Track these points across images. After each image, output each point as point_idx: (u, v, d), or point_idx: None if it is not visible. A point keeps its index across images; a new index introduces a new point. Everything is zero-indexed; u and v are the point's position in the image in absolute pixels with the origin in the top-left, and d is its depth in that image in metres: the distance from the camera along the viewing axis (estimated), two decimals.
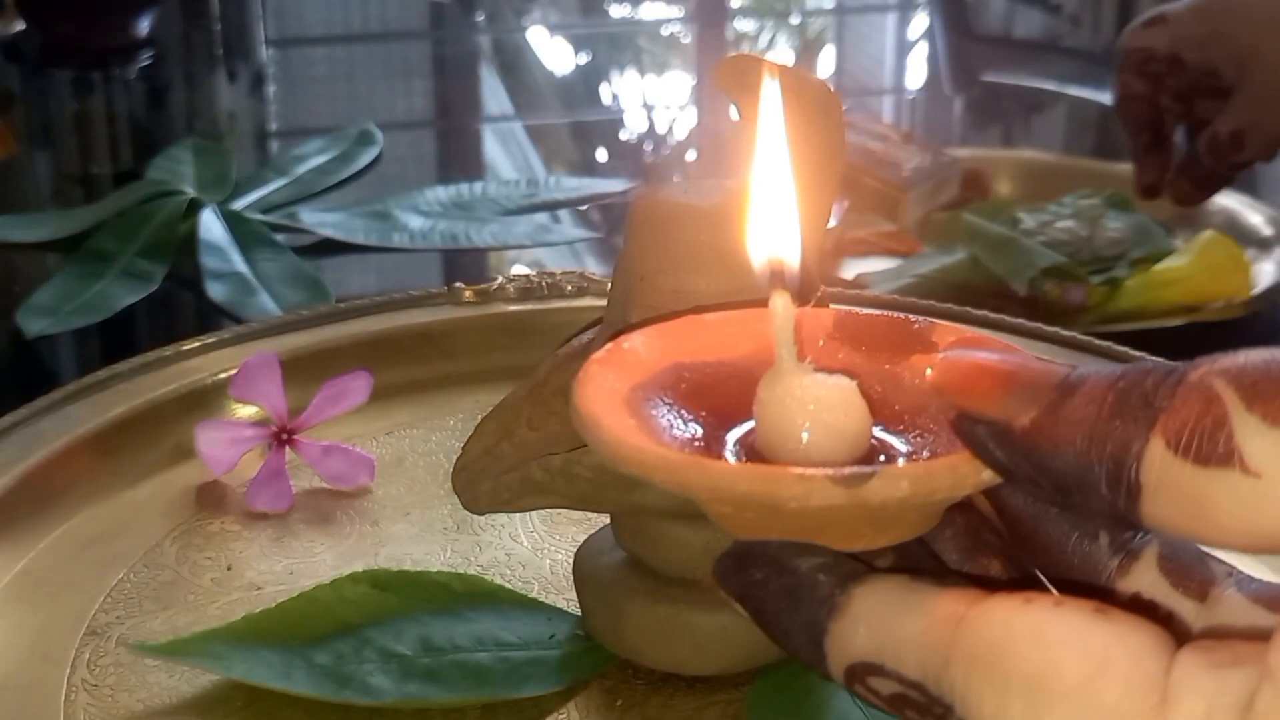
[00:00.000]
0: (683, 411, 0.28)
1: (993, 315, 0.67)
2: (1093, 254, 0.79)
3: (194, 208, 0.87)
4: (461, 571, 0.51)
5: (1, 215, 0.90)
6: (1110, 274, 0.78)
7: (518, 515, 0.54)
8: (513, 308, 0.68)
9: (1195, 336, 0.74)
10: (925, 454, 0.27)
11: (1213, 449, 0.22)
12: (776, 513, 0.25)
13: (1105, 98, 0.89)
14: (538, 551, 0.53)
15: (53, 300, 0.77)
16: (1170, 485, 0.22)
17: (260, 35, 1.42)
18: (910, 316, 0.30)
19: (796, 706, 0.45)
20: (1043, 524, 0.28)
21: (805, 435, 0.26)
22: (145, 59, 1.28)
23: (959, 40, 1.44)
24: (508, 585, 0.50)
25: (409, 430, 0.62)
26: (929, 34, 1.51)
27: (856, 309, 0.31)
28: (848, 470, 0.24)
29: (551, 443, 0.47)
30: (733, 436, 0.28)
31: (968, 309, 0.68)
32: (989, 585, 0.25)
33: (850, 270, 0.81)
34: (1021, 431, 0.24)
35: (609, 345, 0.29)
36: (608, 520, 0.48)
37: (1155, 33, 0.83)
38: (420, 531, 0.55)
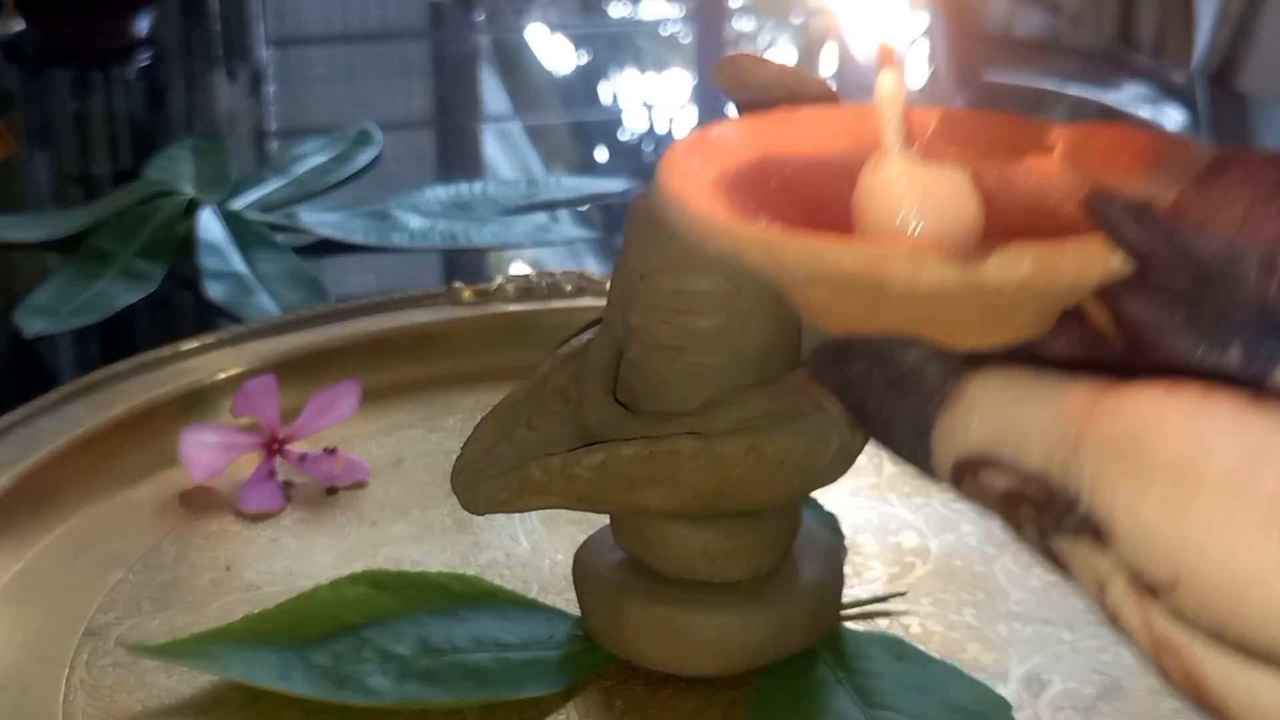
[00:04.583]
0: (774, 205, 0.25)
1: None
2: None
3: (193, 208, 0.87)
4: (461, 572, 0.51)
5: (1, 215, 0.90)
6: None
7: (517, 515, 0.54)
8: (512, 308, 0.68)
9: None
10: None
11: None
12: (880, 298, 0.22)
13: (1106, 97, 0.89)
14: (537, 551, 0.53)
15: (52, 300, 0.77)
16: None
17: (260, 35, 1.42)
18: (1026, 116, 0.27)
19: (796, 707, 0.45)
20: (1166, 336, 0.24)
21: (913, 224, 0.24)
22: (145, 59, 1.28)
23: (959, 39, 1.44)
24: (507, 585, 0.50)
25: (408, 430, 0.62)
26: (929, 33, 1.50)
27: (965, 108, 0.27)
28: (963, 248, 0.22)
29: (551, 443, 0.47)
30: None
31: None
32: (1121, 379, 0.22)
33: None
34: (1165, 210, 0.22)
35: (694, 133, 0.26)
36: (608, 520, 0.48)
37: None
38: (420, 531, 0.55)
